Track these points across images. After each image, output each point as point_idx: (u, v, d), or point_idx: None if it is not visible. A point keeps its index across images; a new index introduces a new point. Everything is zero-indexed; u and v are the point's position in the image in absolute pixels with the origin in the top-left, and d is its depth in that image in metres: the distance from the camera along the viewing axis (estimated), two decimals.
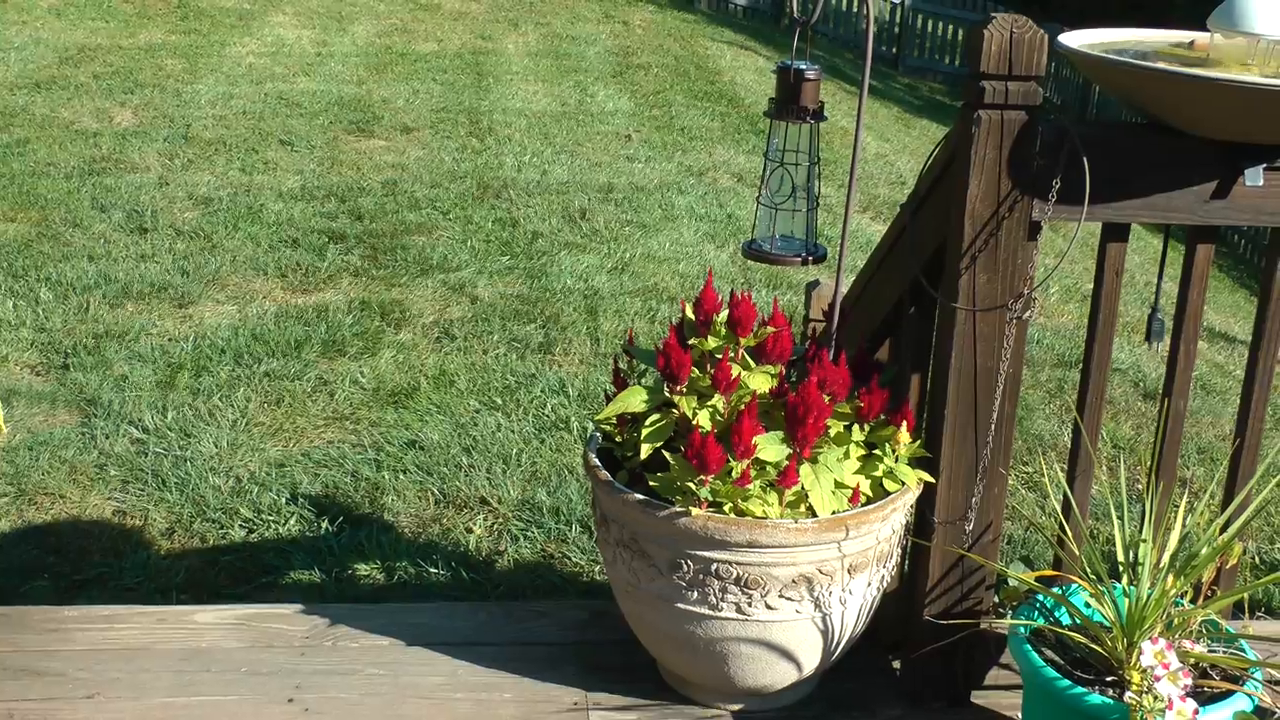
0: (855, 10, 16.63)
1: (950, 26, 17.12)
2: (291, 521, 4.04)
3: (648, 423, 2.27)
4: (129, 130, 8.48)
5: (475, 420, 4.70)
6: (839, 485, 2.21)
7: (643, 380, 2.41)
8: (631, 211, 7.31)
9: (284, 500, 4.13)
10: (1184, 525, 2.24)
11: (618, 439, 2.38)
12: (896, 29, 16.81)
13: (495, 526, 4.08)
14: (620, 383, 2.42)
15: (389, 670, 2.44)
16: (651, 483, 2.22)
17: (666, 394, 2.29)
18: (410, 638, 2.52)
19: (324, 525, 4.02)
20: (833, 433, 2.26)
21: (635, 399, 2.29)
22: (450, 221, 6.91)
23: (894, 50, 16.69)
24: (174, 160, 7.87)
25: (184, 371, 5.00)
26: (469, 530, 4.04)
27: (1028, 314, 2.22)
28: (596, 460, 2.33)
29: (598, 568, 3.89)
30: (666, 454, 2.21)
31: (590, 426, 4.68)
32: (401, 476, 4.30)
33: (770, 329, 2.33)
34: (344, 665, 2.44)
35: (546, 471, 4.39)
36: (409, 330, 5.49)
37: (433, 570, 3.80)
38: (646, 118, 9.86)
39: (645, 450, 2.24)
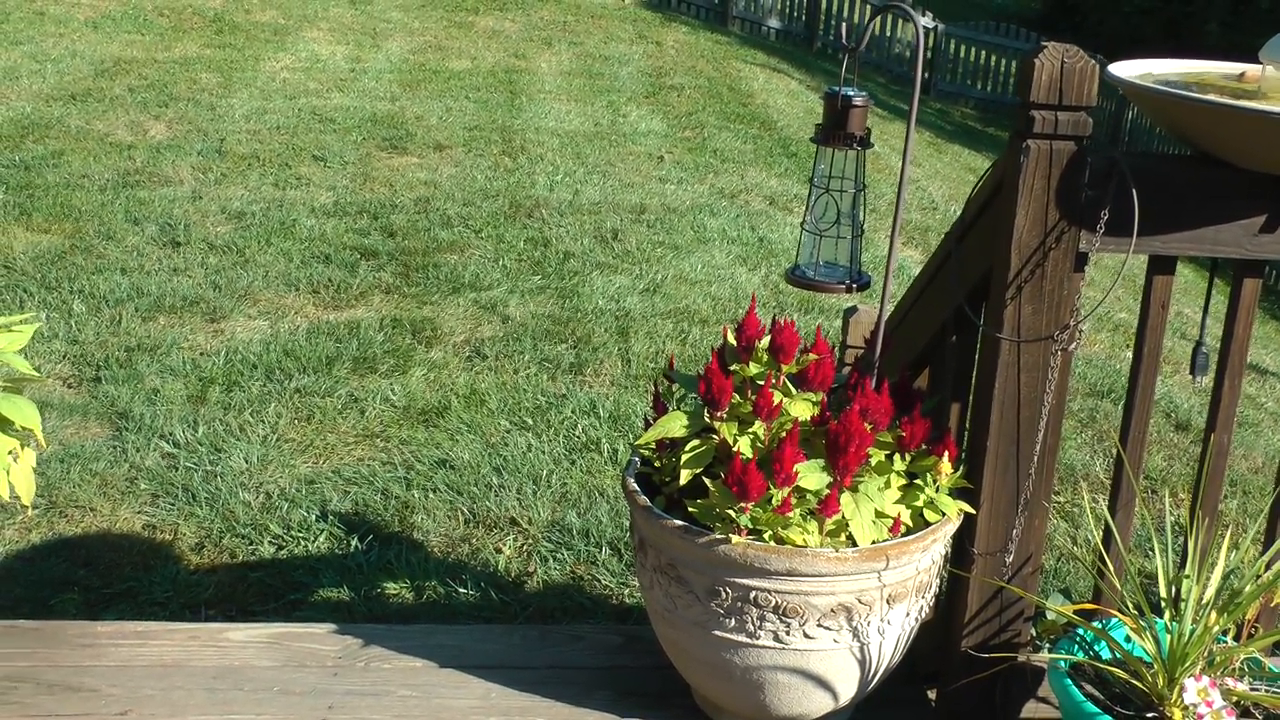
0: (889, 34, 16.63)
1: (983, 52, 17.09)
2: (321, 539, 4.04)
3: (687, 448, 2.26)
4: (163, 143, 8.52)
5: (506, 440, 4.70)
6: (879, 515, 2.19)
7: (682, 405, 2.40)
8: (663, 233, 7.31)
9: (314, 517, 4.13)
10: (1227, 561, 2.21)
11: (656, 464, 2.37)
12: (929, 54, 16.79)
13: (525, 547, 4.06)
14: (660, 407, 2.40)
15: (421, 692, 2.42)
16: (690, 509, 2.21)
17: (707, 420, 2.28)
18: (443, 659, 2.51)
19: (353, 543, 4.02)
20: (874, 461, 2.24)
21: (675, 424, 2.28)
22: (482, 240, 6.92)
23: (927, 75, 16.66)
24: (207, 174, 7.91)
25: (215, 386, 5.02)
26: (498, 550, 4.03)
27: (1073, 345, 2.20)
28: (635, 485, 2.32)
29: (627, 590, 3.87)
30: (706, 480, 2.20)
31: (623, 449, 4.68)
32: (431, 495, 4.29)
33: (812, 356, 2.32)
34: (376, 686, 2.43)
35: (577, 493, 4.37)
36: (440, 348, 5.49)
37: (462, 590, 3.79)
38: (679, 139, 9.86)
39: (685, 476, 2.23)
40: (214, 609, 3.70)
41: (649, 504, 2.26)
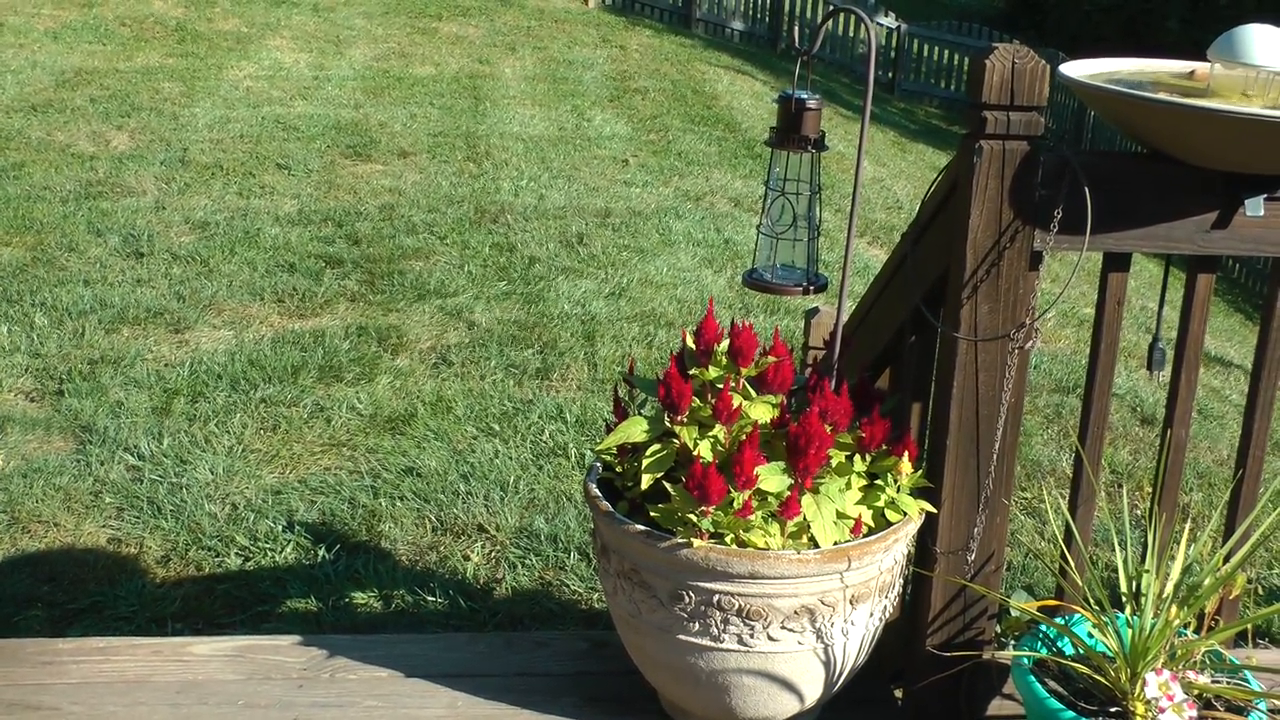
0: (852, 35, 16.69)
1: (946, 52, 17.17)
2: (288, 549, 4.02)
3: (648, 453, 2.26)
4: (125, 154, 8.47)
5: (473, 447, 4.69)
6: (841, 516, 2.19)
7: (643, 410, 2.40)
8: (629, 236, 7.31)
9: (280, 528, 4.11)
10: (1187, 555, 2.23)
11: (618, 469, 2.37)
12: (893, 53, 16.86)
13: (493, 554, 4.06)
14: (621, 412, 2.40)
15: (388, 703, 2.42)
16: (652, 513, 2.21)
17: (667, 424, 2.28)
18: (409, 669, 2.51)
19: (321, 553, 4.00)
20: (834, 463, 2.25)
21: (636, 429, 2.28)
22: (447, 246, 6.90)
23: (890, 74, 16.73)
24: (170, 184, 7.87)
25: (180, 397, 4.99)
26: (466, 558, 4.03)
27: (1030, 344, 2.21)
28: (597, 491, 2.32)
29: (596, 595, 3.87)
30: (668, 484, 2.20)
31: (590, 454, 4.67)
32: (399, 504, 4.28)
33: (771, 359, 2.32)
34: (342, 698, 2.42)
35: (544, 498, 4.37)
36: (406, 356, 5.48)
37: (430, 599, 3.78)
38: (644, 142, 9.87)
39: (646, 481, 2.23)
40: (181, 622, 3.67)
41: (611, 509, 2.26)
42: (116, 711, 2.34)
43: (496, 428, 4.84)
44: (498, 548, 4.09)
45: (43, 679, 2.43)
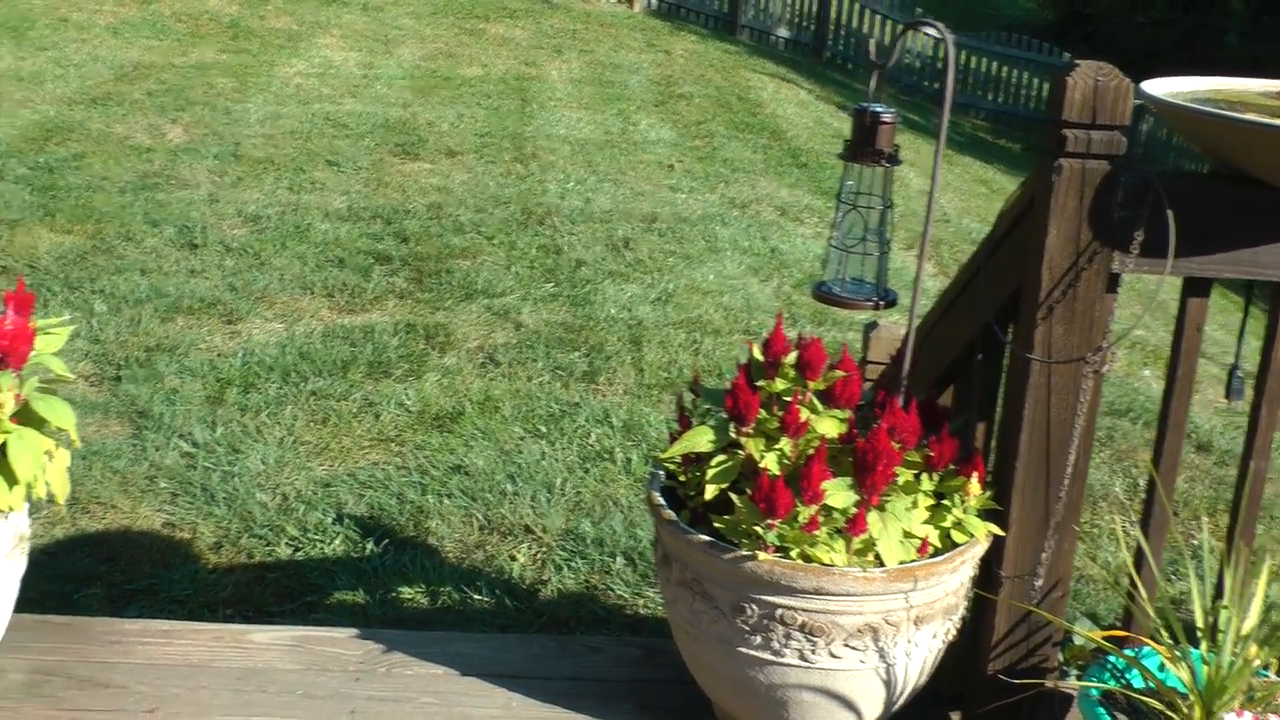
0: (905, 46, 16.64)
1: (994, 63, 17.11)
2: (337, 541, 4.05)
3: (713, 463, 2.27)
4: (180, 147, 8.54)
5: (520, 447, 4.70)
6: (907, 535, 2.19)
7: (707, 419, 2.41)
8: (675, 242, 7.32)
9: (330, 520, 4.14)
10: (1267, 594, 2.20)
11: (681, 478, 2.38)
12: (939, 64, 16.79)
13: (539, 555, 4.07)
14: (685, 421, 2.41)
15: (443, 700, 2.43)
16: (716, 524, 2.22)
17: (733, 435, 2.28)
18: (464, 667, 2.52)
19: (369, 546, 4.03)
20: (901, 481, 2.25)
21: (701, 438, 2.29)
22: (495, 247, 6.93)
23: (935, 86, 16.67)
24: (223, 177, 7.93)
25: (232, 387, 5.03)
26: (513, 558, 4.04)
27: (1106, 368, 2.20)
28: (660, 499, 2.32)
29: (642, 601, 3.88)
30: (733, 495, 2.21)
31: (636, 459, 4.68)
32: (446, 501, 4.30)
33: (839, 373, 2.33)
34: (399, 693, 2.44)
35: (590, 502, 4.38)
36: (454, 354, 5.50)
37: (477, 597, 3.80)
38: (689, 148, 9.87)
39: (710, 491, 2.24)
40: (232, 608, 3.71)
41: (674, 519, 2.27)
42: (180, 694, 2.37)
43: (543, 429, 4.86)
44: (544, 549, 4.10)
45: (110, 657, 2.47)
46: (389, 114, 9.80)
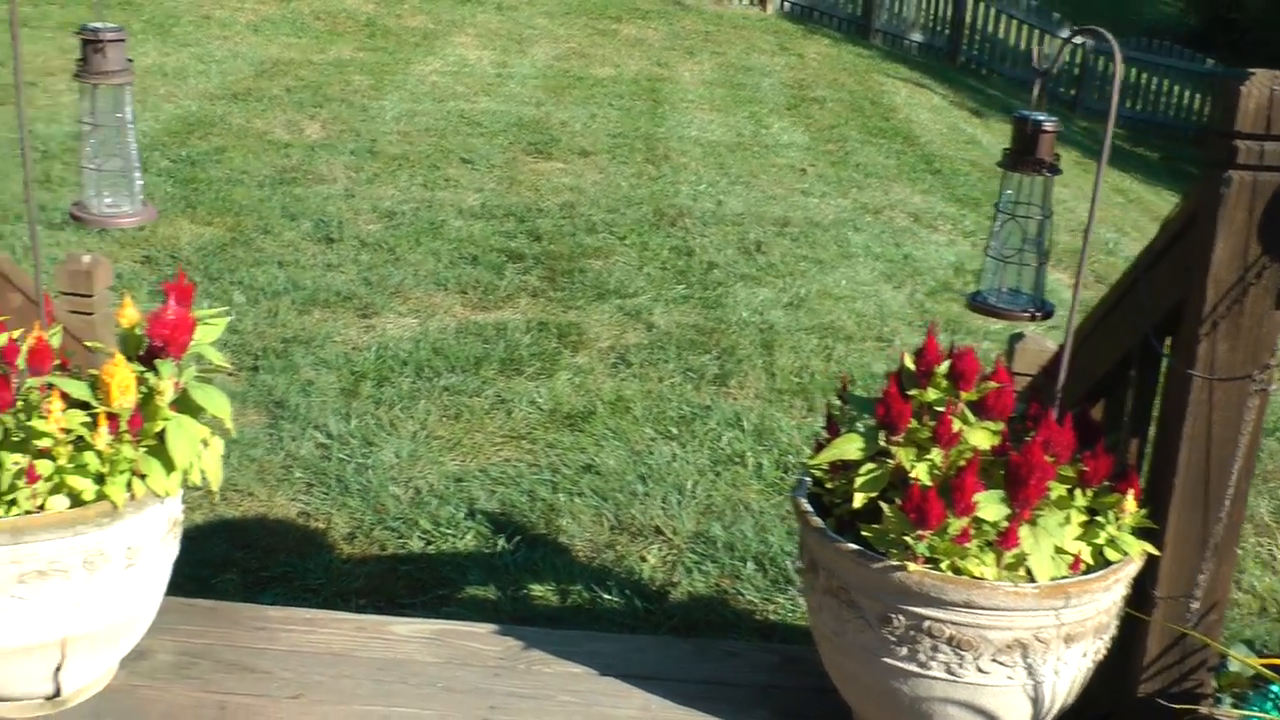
0: (1049, 53, 16.32)
1: (1133, 70, 16.72)
2: (469, 536, 4.09)
3: (862, 471, 2.24)
4: (318, 142, 8.71)
5: (650, 448, 4.71)
6: (1059, 551, 2.15)
7: (855, 427, 2.38)
8: (807, 247, 7.28)
9: (462, 515, 4.18)
10: None
11: (829, 485, 2.36)
12: (1075, 70, 16.48)
13: (669, 557, 4.07)
14: (833, 429, 2.39)
15: (581, 699, 2.44)
16: (865, 533, 2.19)
17: (882, 443, 2.26)
18: (601, 667, 2.53)
19: (500, 543, 4.06)
20: (1054, 495, 2.20)
21: (851, 446, 2.27)
22: (626, 247, 6.95)
23: (1072, 92, 16.36)
24: (359, 173, 8.07)
25: (366, 380, 5.11)
26: (643, 559, 4.05)
27: (1273, 386, 2.13)
28: (808, 506, 2.31)
29: (772, 607, 3.86)
30: (883, 505, 2.18)
31: (767, 463, 4.66)
32: (577, 500, 4.33)
33: (993, 384, 2.29)
34: (537, 690, 2.46)
35: (721, 505, 4.37)
36: (585, 354, 5.53)
37: (607, 596, 3.81)
38: (821, 152, 9.81)
39: (859, 499, 2.22)
40: (364, 599, 3.77)
41: (823, 526, 2.25)
42: (323, 681, 2.41)
43: (674, 431, 4.86)
44: (674, 551, 4.10)
45: (256, 643, 2.52)
46: (522, 113, 9.89)
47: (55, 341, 2.36)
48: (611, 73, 11.72)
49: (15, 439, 2.20)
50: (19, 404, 2.25)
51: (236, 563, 3.89)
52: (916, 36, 16.72)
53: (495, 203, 7.60)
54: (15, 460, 2.16)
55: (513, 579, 3.88)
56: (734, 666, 2.65)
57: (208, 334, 2.31)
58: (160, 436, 2.20)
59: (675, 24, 14.24)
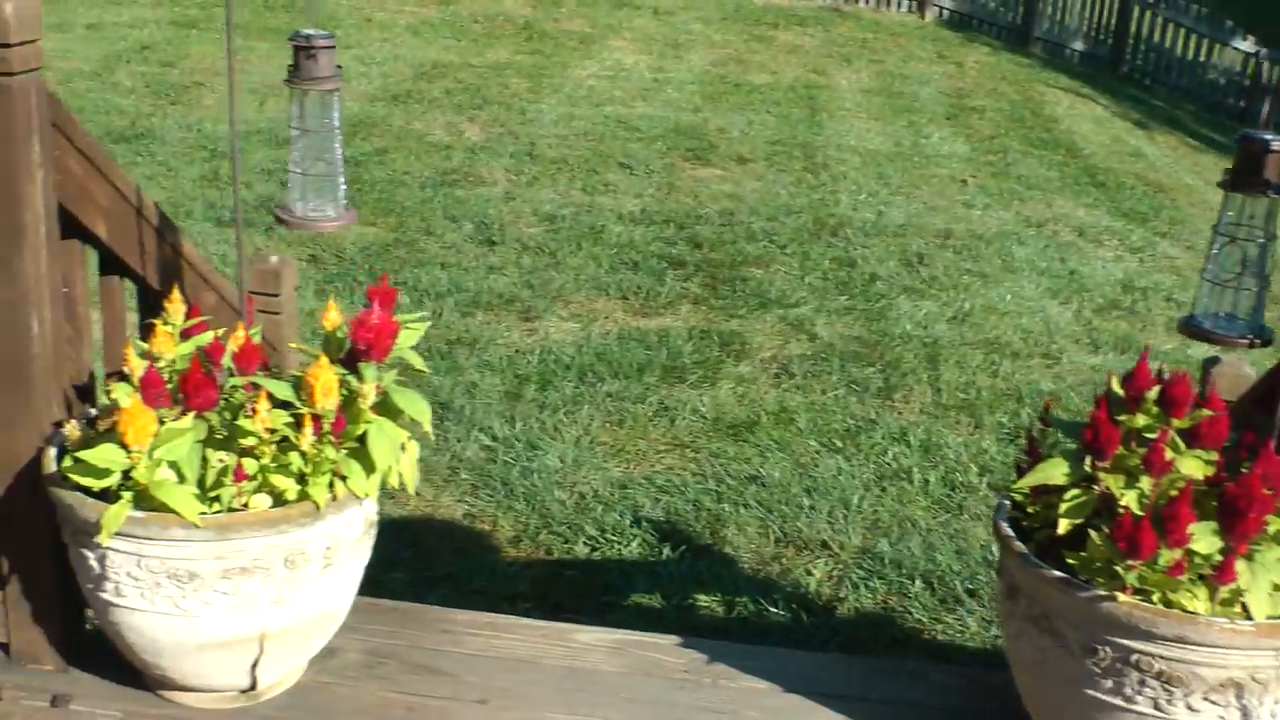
0: (1201, 59, 15.86)
1: None
2: (634, 544, 4.09)
3: (1067, 497, 2.18)
4: (477, 145, 8.83)
5: (815, 461, 4.67)
6: (1276, 588, 2.06)
7: (1055, 451, 2.32)
8: (970, 260, 7.15)
9: (627, 522, 4.19)
10: None
11: (1030, 509, 2.29)
12: (1247, 81, 15.95)
13: (835, 572, 4.03)
14: (1034, 452, 2.33)
15: (769, 716, 2.41)
16: (1070, 560, 2.13)
17: (1088, 469, 2.19)
18: (787, 684, 2.50)
19: (665, 551, 4.06)
20: (1271, 530, 2.11)
21: (1056, 471, 2.20)
22: (787, 256, 6.91)
23: (1242, 104, 15.83)
24: (519, 176, 8.15)
25: (530, 384, 5.16)
26: (809, 573, 4.01)
27: None
28: (1009, 530, 2.25)
29: (940, 627, 3.79)
30: (1091, 532, 2.11)
31: (934, 480, 4.58)
32: (742, 511, 4.30)
33: (1206, 412, 2.20)
34: (722, 704, 2.44)
35: (888, 522, 4.31)
36: (748, 363, 5.50)
37: (772, 610, 3.78)
38: (982, 163, 9.64)
39: (1064, 525, 2.15)
40: (529, 603, 3.79)
41: (1025, 551, 2.19)
42: (509, 687, 2.43)
43: (839, 444, 4.81)
44: (840, 566, 4.05)
45: (441, 645, 2.55)
46: (680, 118, 9.90)
47: (256, 341, 2.41)
48: (768, 79, 11.67)
49: (218, 437, 2.25)
50: (223, 402, 2.30)
51: (403, 562, 3.94)
52: (1078, 45, 16.33)
53: (655, 209, 7.61)
54: (220, 458, 2.21)
55: (678, 588, 3.87)
56: (920, 688, 2.60)
57: (408, 338, 2.33)
58: (361, 439, 2.23)
59: (832, 31, 14.14)
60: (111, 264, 2.74)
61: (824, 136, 9.80)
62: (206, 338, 2.44)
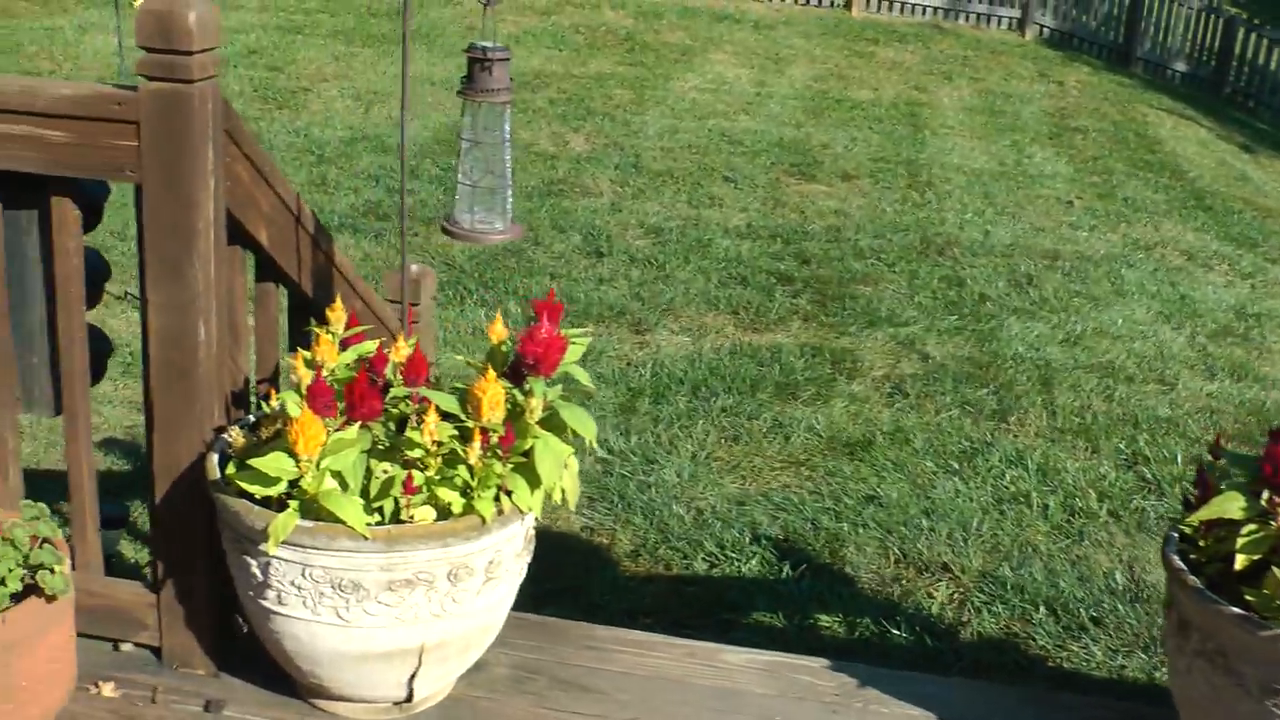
0: None
1: None
2: (753, 562, 4.08)
3: (1245, 532, 2.13)
4: (583, 155, 8.87)
5: (932, 482, 4.62)
6: None
7: (1226, 484, 2.27)
8: (1079, 282, 7.06)
9: (746, 539, 4.17)
10: None
11: (1202, 543, 2.25)
12: None
13: (956, 595, 3.98)
14: (1204, 484, 2.28)
15: None
16: (1248, 596, 2.08)
17: (1264, 504, 2.14)
18: (939, 712, 2.46)
19: (784, 570, 4.03)
20: None
21: (1233, 505, 2.16)
22: (895, 275, 6.86)
23: None
24: (625, 188, 8.18)
25: (644, 397, 5.16)
26: (930, 595, 3.97)
27: None
28: (1181, 564, 2.21)
29: (1065, 655, 3.74)
30: (1274, 568, 2.07)
31: (1053, 505, 4.52)
32: (860, 531, 4.27)
33: None
34: None
35: (1008, 546, 4.26)
36: (860, 382, 5.47)
37: (895, 632, 3.74)
38: (1086, 184, 9.53)
39: (1241, 561, 2.11)
40: (650, 618, 3.78)
41: (1199, 585, 2.15)
42: (661, 707, 2.42)
43: (955, 466, 4.76)
44: (962, 589, 4.01)
45: (589, 662, 2.54)
46: (783, 133, 9.89)
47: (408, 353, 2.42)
48: (870, 95, 11.63)
49: (380, 447, 2.26)
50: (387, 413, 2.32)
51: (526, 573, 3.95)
52: (1180, 66, 16.10)
53: (761, 223, 7.60)
54: (385, 469, 2.22)
55: (799, 607, 3.85)
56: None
57: (573, 353, 2.34)
58: (526, 453, 2.23)
59: (933, 48, 14.05)
60: (268, 270, 2.77)
61: (927, 154, 9.73)
62: (367, 347, 2.46)
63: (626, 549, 4.15)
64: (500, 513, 2.21)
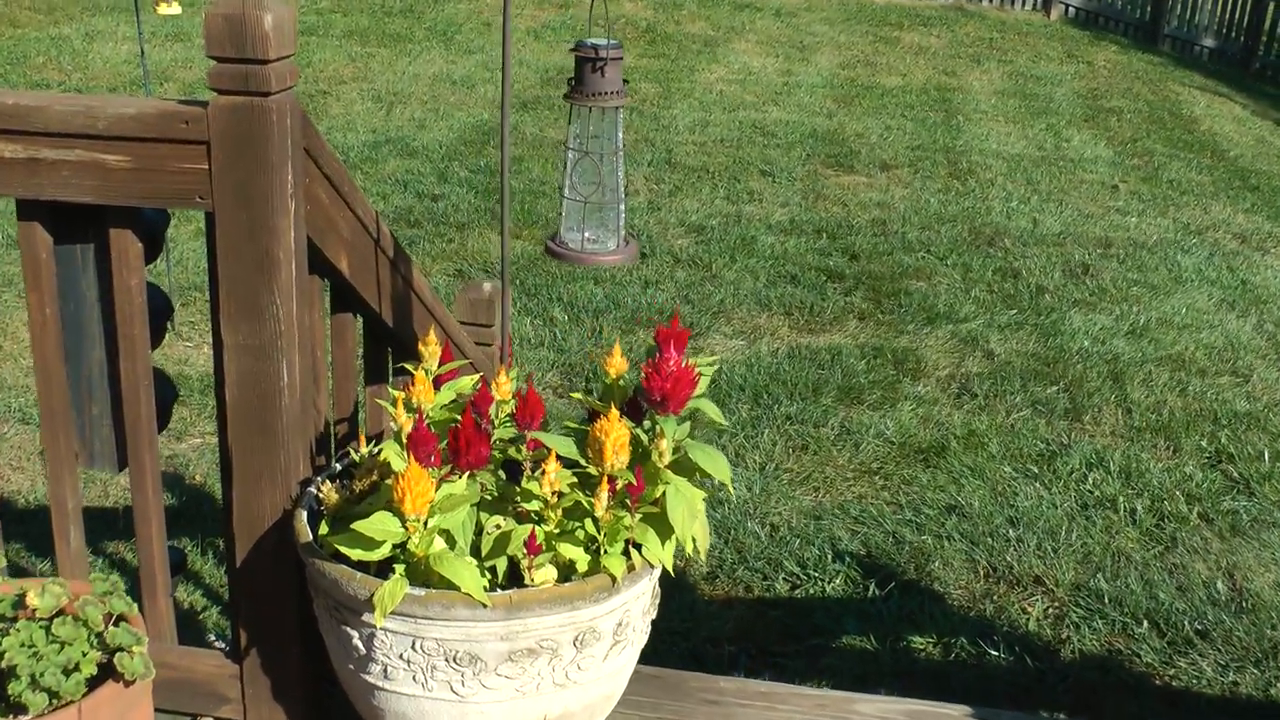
0: None
1: None
2: (837, 580, 3.91)
3: None
4: None
5: (1013, 488, 4.45)
6: None
7: None
8: (1135, 270, 6.87)
9: (828, 557, 4.00)
10: None
11: None
12: None
13: (1051, 610, 3.81)
14: None
15: None
16: None
17: None
18: None
19: (871, 588, 3.87)
20: None
21: None
22: (948, 268, 6.67)
23: None
24: (660, 185, 7.99)
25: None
26: (1025, 611, 3.80)
27: None
28: None
29: (1173, 672, 3.57)
30: None
31: (1140, 509, 4.35)
32: (945, 544, 4.10)
33: None
34: None
35: (1099, 554, 4.08)
36: (925, 382, 5.28)
37: (993, 652, 3.58)
38: (1128, 167, 9.31)
39: None
40: (735, 645, 3.63)
41: None
42: None
43: (1034, 469, 4.58)
44: (1057, 604, 3.84)
45: (713, 718, 2.36)
46: (815, 123, 9.69)
47: (510, 389, 2.21)
48: (899, 82, 11.42)
49: (488, 498, 2.07)
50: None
51: None
52: (1208, 42, 15.84)
53: (803, 218, 7.41)
54: (496, 523, 2.03)
55: (890, 628, 3.68)
56: None
57: (700, 385, 2.14)
58: (655, 501, 2.04)
59: (958, 31, 13.83)
60: (346, 299, 2.57)
61: (964, 141, 9.53)
62: (464, 384, 2.27)
63: (703, 571, 3.98)
64: (631, 569, 2.02)
